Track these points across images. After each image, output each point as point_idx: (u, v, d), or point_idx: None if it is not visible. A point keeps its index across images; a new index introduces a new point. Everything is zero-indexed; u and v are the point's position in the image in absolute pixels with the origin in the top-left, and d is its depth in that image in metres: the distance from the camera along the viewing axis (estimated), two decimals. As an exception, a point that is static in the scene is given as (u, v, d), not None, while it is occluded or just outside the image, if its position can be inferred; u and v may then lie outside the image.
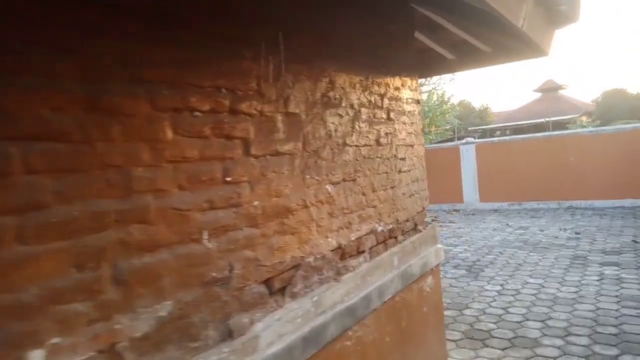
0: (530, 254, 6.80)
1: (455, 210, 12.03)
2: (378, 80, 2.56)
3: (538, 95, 44.35)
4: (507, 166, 11.61)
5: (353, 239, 2.23)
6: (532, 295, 4.98)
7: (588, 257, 6.31)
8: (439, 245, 3.20)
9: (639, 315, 4.19)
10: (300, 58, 1.94)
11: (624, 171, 10.11)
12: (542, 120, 35.71)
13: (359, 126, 2.35)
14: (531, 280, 5.49)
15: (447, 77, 12.33)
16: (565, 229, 8.36)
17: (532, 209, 11.03)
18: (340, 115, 2.20)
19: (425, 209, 3.16)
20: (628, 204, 10.10)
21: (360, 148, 2.35)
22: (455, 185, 12.34)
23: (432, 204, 12.82)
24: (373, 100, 2.50)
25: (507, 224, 9.33)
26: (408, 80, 2.94)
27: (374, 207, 2.44)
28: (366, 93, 2.43)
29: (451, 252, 7.28)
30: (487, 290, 5.30)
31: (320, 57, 2.08)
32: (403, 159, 2.79)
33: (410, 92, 2.98)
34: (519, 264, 6.28)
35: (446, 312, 4.64)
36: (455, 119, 43.05)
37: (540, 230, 8.42)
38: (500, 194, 11.72)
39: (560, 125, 31.77)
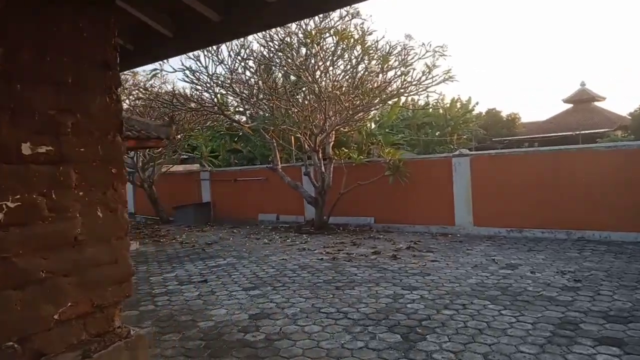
0: (503, 312, 4.93)
1: (443, 235, 10.11)
2: None
3: (570, 106, 41.56)
4: (507, 184, 9.65)
5: None
6: (471, 400, 3.17)
7: (580, 325, 4.41)
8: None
9: None
10: None
11: (650, 198, 8.04)
12: (572, 133, 33.00)
13: None
14: (482, 367, 3.67)
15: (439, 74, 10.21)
16: (564, 272, 6.41)
17: (534, 239, 9.03)
18: None
19: (125, 304, 1.43)
20: (654, 239, 8.01)
21: None
22: (446, 205, 10.44)
23: (419, 225, 11.01)
24: None
25: (494, 260, 7.41)
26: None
27: None
28: None
29: (400, 301, 5.47)
30: (409, 380, 3.51)
31: None
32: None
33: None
34: (479, 330, 4.44)
35: None
36: (479, 128, 40.71)
37: (532, 272, 6.49)
38: (498, 218, 9.76)
39: (591, 139, 29.08)
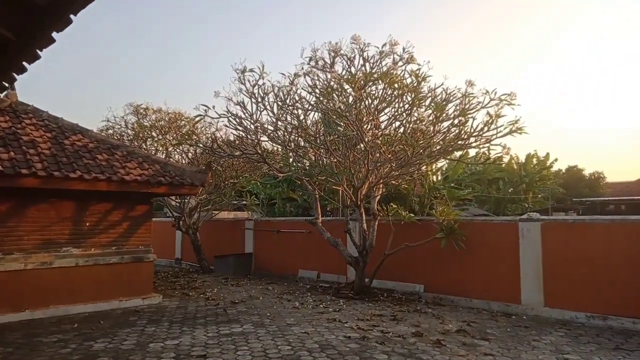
0: None
1: (505, 315, 8.39)
2: None
3: (665, 165, 37.26)
4: (589, 259, 7.88)
5: None
6: None
7: None
8: None
9: None
10: None
11: None
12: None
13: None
14: None
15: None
16: (671, 394, 4.65)
17: (623, 332, 7.11)
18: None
19: None
20: None
21: None
22: (511, 278, 8.76)
23: (477, 299, 9.29)
24: None
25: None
26: None
27: None
28: None
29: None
30: None
31: None
32: None
33: None
34: None
35: None
36: (558, 187, 37.36)
37: (622, 389, 4.78)
38: (576, 299, 7.94)
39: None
